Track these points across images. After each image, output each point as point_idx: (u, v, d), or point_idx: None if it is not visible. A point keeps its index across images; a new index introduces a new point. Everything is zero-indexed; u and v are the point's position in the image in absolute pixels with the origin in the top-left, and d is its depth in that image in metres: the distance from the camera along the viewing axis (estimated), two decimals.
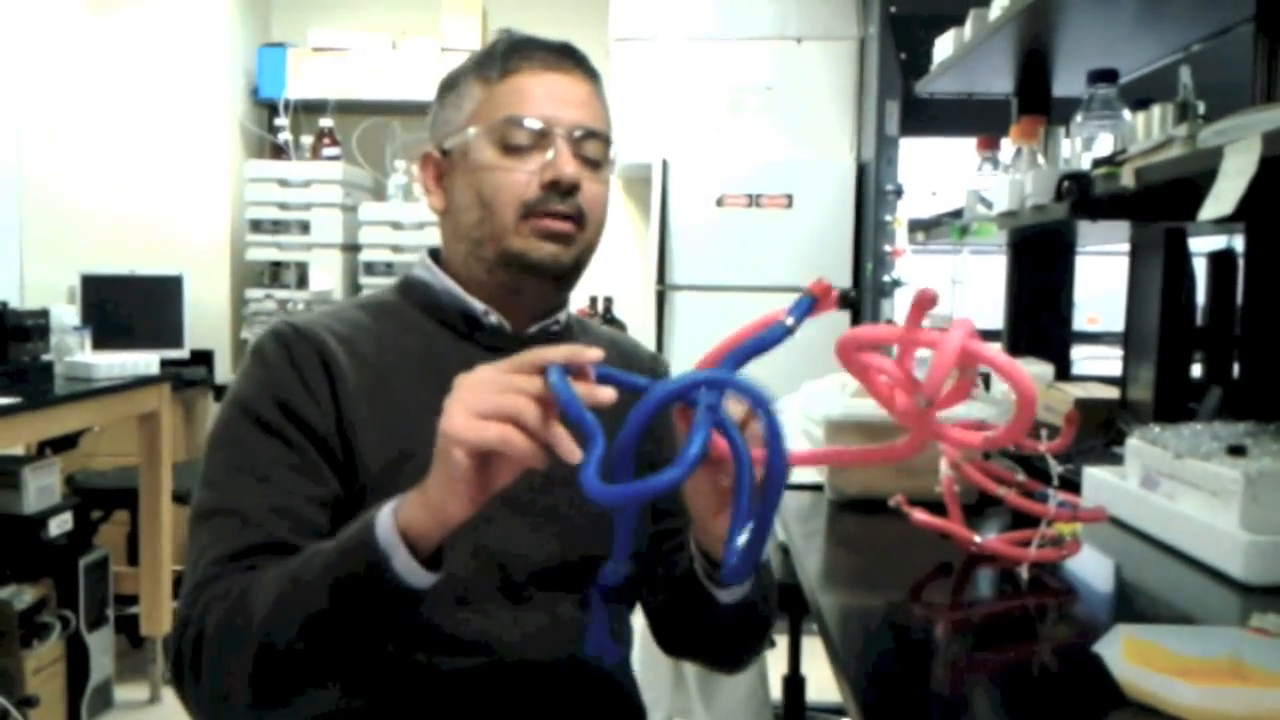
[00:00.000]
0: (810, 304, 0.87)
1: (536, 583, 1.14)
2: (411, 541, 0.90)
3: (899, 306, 4.17)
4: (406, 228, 4.15)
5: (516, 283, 1.18)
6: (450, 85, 1.24)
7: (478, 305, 1.20)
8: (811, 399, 1.79)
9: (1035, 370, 2.36)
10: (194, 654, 1.00)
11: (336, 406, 1.11)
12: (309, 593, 0.94)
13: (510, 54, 1.20)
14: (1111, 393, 2.07)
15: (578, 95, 1.19)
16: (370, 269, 4.17)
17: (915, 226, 3.01)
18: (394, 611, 0.93)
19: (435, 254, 1.27)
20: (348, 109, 4.31)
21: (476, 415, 0.84)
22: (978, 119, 3.00)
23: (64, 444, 3.35)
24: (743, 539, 0.81)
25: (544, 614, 1.14)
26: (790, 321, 0.87)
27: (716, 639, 1.21)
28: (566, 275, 1.19)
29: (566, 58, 1.21)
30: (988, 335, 3.34)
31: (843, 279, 3.93)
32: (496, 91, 1.18)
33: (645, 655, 1.83)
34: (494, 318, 1.20)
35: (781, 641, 2.21)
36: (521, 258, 1.16)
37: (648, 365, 1.33)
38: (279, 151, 4.26)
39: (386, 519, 0.91)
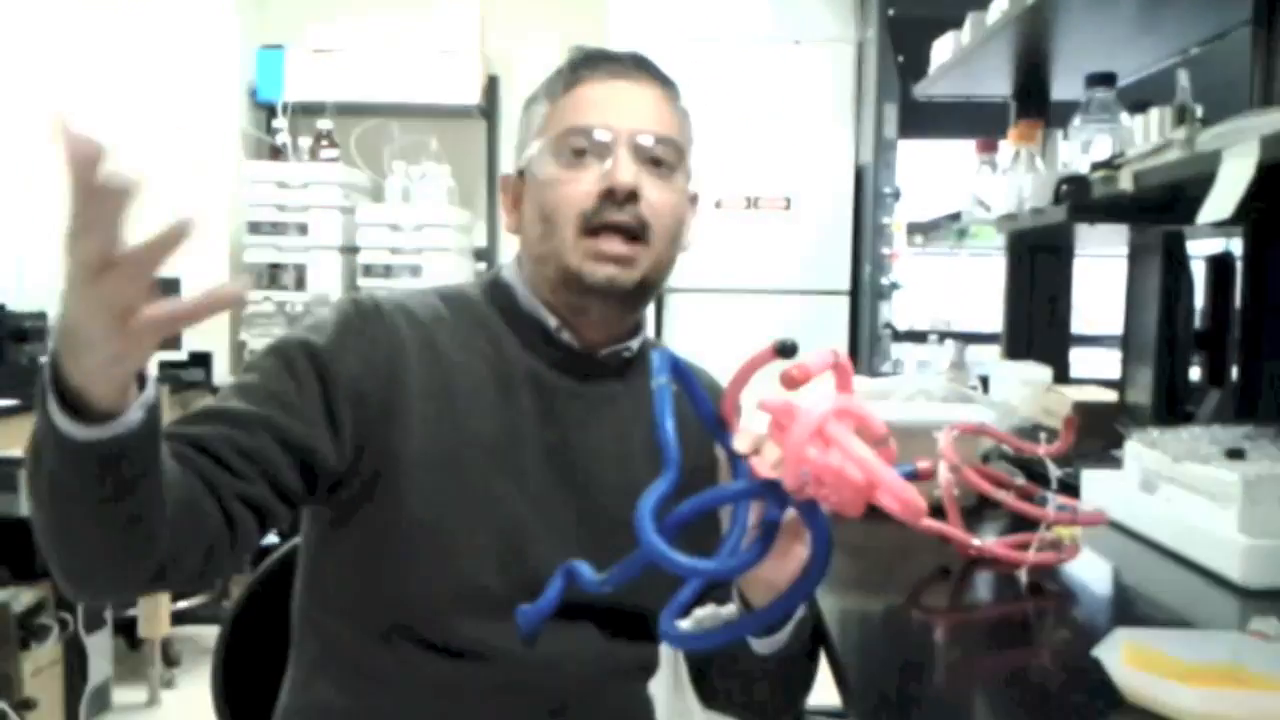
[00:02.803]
0: (913, 475, 0.86)
1: (569, 610, 1.08)
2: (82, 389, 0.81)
3: (897, 309, 4.18)
4: (405, 229, 4.15)
5: (580, 303, 1.15)
6: (527, 105, 1.23)
7: (551, 320, 1.18)
8: (810, 398, 1.79)
9: (1033, 374, 2.36)
10: None
11: (390, 390, 1.10)
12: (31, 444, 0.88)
13: (576, 67, 1.18)
14: (1110, 396, 2.07)
15: (642, 101, 1.16)
16: (369, 271, 4.17)
17: (913, 229, 3.02)
18: (69, 454, 0.83)
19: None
20: (346, 111, 4.31)
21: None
22: (976, 122, 3.00)
23: None
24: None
25: (572, 639, 1.12)
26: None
27: (753, 691, 1.16)
28: (631, 296, 1.15)
29: (633, 66, 1.18)
30: (986, 338, 3.34)
31: (841, 282, 3.94)
32: (560, 105, 1.17)
33: None
34: (566, 335, 1.18)
35: None
36: (579, 278, 1.12)
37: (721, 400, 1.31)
38: (277, 153, 4.26)
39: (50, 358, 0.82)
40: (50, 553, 0.92)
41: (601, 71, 1.17)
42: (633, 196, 1.12)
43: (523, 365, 1.17)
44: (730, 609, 0.91)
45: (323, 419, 1.08)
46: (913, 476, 0.85)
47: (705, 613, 0.86)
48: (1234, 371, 1.89)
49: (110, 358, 0.78)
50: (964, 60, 2.41)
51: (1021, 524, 1.34)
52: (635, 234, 1.12)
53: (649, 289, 1.17)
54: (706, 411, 0.87)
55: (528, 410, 1.16)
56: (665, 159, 1.15)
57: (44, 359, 0.83)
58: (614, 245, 1.12)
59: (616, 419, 1.19)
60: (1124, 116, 1.93)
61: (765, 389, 0.80)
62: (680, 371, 0.85)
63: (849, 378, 0.81)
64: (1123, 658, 0.93)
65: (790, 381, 0.74)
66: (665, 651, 1.30)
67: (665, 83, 1.20)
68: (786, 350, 0.77)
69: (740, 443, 0.83)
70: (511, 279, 1.22)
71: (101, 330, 0.75)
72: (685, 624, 0.84)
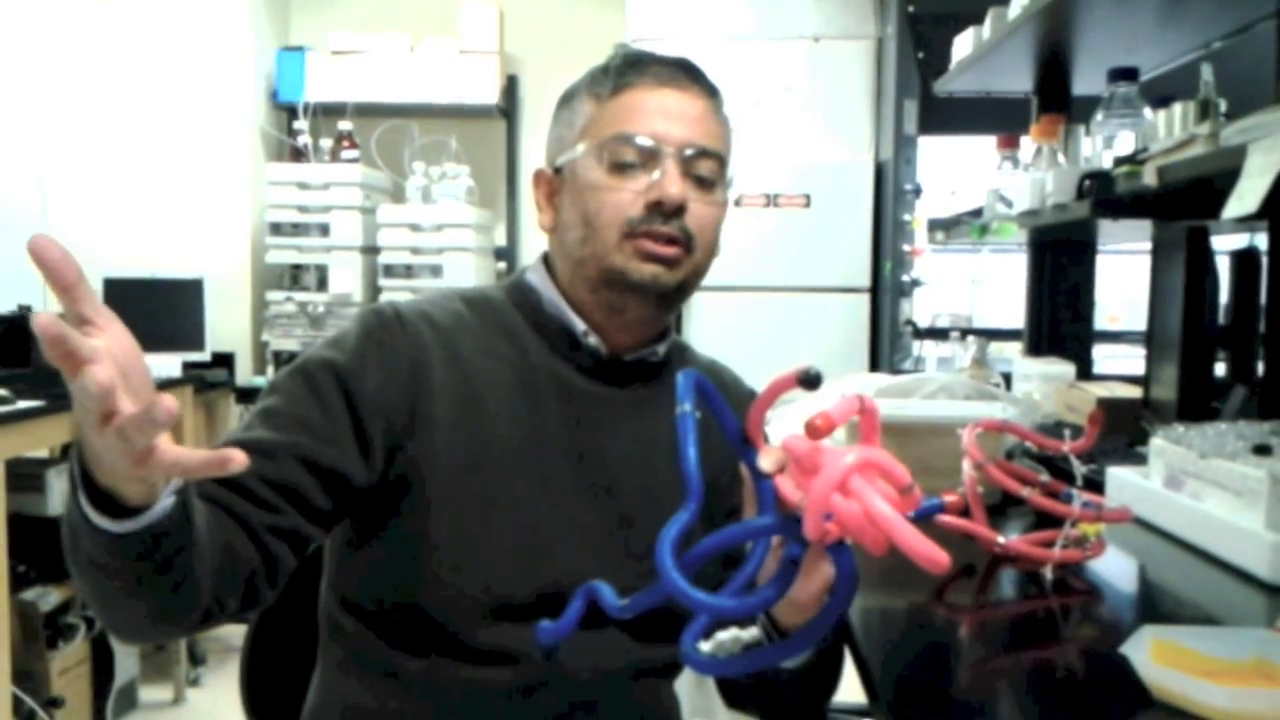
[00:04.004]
0: (939, 509, 0.86)
1: (595, 620, 1.07)
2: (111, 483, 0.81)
3: (918, 306, 4.17)
4: (425, 230, 4.16)
5: (620, 302, 1.14)
6: (565, 101, 1.21)
7: (579, 324, 1.17)
8: (830, 399, 1.78)
9: (1056, 370, 2.35)
10: None
11: (415, 401, 1.10)
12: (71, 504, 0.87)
13: (624, 70, 1.16)
14: (1134, 392, 2.06)
15: (691, 112, 1.15)
16: (389, 271, 4.18)
17: (934, 226, 3.01)
18: (104, 544, 0.84)
19: (549, 259, 1.23)
20: (366, 111, 4.33)
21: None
22: (997, 118, 2.99)
23: None
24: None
25: (599, 640, 1.11)
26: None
27: (777, 697, 1.17)
28: (669, 297, 1.15)
29: (682, 73, 1.16)
30: (1008, 335, 3.32)
31: (861, 279, 3.93)
32: (607, 108, 1.15)
33: None
34: (593, 339, 1.17)
35: None
36: (623, 277, 1.12)
37: (746, 403, 1.30)
38: (298, 154, 4.27)
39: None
40: (95, 612, 0.95)
41: (650, 77, 1.15)
42: (679, 210, 1.12)
43: (548, 370, 1.17)
44: (752, 632, 0.92)
45: (350, 439, 1.08)
46: (939, 509, 0.85)
47: (727, 636, 0.87)
48: (1260, 367, 1.88)
49: (132, 477, 0.79)
50: (985, 56, 2.40)
51: (1046, 521, 1.33)
52: (679, 242, 1.13)
53: (685, 293, 1.17)
54: (732, 430, 0.87)
55: (553, 415, 1.15)
56: (710, 172, 1.15)
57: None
58: (660, 247, 1.12)
59: (642, 424, 1.19)
60: (1147, 111, 1.92)
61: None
62: (707, 393, 0.85)
63: (875, 423, 0.81)
64: (1150, 655, 0.92)
65: (814, 431, 0.74)
66: None
67: (712, 92, 1.19)
68: (810, 380, 0.77)
69: (765, 461, 0.83)
70: (537, 282, 1.21)
71: (118, 462, 0.76)
72: (706, 646, 0.84)
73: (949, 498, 0.86)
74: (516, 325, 1.19)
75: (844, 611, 0.81)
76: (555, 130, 1.21)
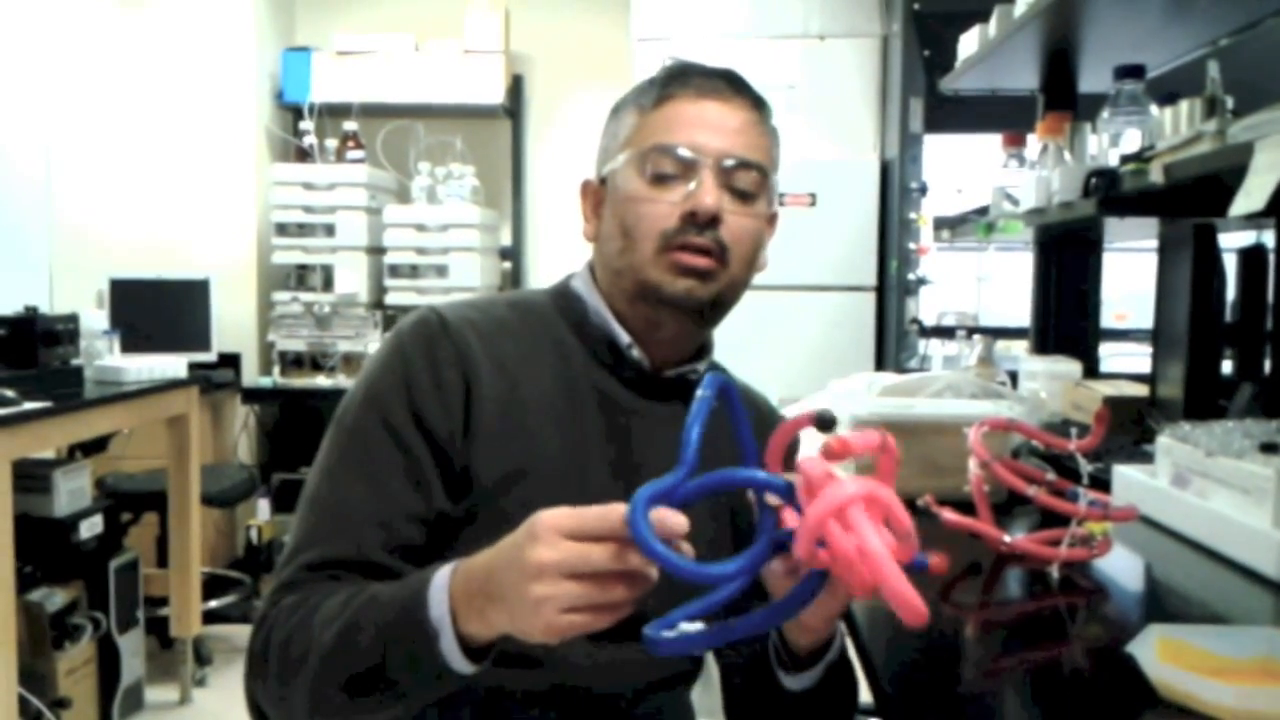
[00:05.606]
0: (924, 568, 0.86)
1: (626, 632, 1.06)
2: (461, 626, 0.89)
3: (924, 304, 4.16)
4: (430, 230, 4.16)
5: (656, 316, 1.14)
6: (614, 112, 1.20)
7: (624, 337, 1.16)
8: (838, 399, 1.78)
9: (1062, 368, 2.35)
10: (262, 659, 1.01)
11: (467, 413, 1.09)
12: (361, 651, 0.93)
13: (668, 81, 1.15)
14: (1141, 390, 2.06)
15: (732, 123, 1.13)
16: (395, 271, 4.19)
17: (941, 224, 3.01)
18: (441, 680, 0.91)
19: (594, 268, 1.22)
20: (372, 112, 4.33)
21: (561, 608, 0.82)
22: (1003, 115, 2.98)
23: (94, 447, 3.39)
24: None
25: (619, 648, 1.08)
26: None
27: None
28: (705, 311, 1.14)
29: (725, 84, 1.15)
30: (1014, 333, 3.31)
31: (868, 277, 3.93)
32: (649, 119, 1.14)
33: None
34: (636, 352, 1.17)
35: None
36: (657, 290, 1.11)
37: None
38: (304, 155, 4.28)
39: (440, 601, 0.89)
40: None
41: (693, 89, 1.14)
42: (714, 221, 1.11)
43: (590, 381, 1.16)
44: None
45: (436, 476, 1.08)
46: (924, 569, 0.85)
47: (692, 629, 0.87)
48: (1267, 364, 1.88)
49: (519, 629, 0.84)
50: (990, 53, 2.40)
51: (1052, 520, 1.33)
52: (713, 253, 1.12)
53: (722, 307, 1.16)
54: (749, 446, 0.87)
55: (594, 427, 1.15)
56: (749, 184, 1.14)
57: (435, 593, 0.91)
58: (694, 259, 1.11)
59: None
60: (1153, 108, 1.92)
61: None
62: (729, 398, 0.85)
63: (893, 463, 0.80)
64: (1156, 654, 0.92)
65: (829, 453, 0.75)
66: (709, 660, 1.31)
67: (757, 103, 1.18)
68: (825, 423, 0.79)
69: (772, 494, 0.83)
70: (582, 290, 1.21)
71: (540, 622, 0.82)
72: (669, 634, 0.84)
73: (934, 558, 0.86)
74: (560, 333, 1.18)
75: (808, 599, 0.80)
76: (603, 141, 1.21)
